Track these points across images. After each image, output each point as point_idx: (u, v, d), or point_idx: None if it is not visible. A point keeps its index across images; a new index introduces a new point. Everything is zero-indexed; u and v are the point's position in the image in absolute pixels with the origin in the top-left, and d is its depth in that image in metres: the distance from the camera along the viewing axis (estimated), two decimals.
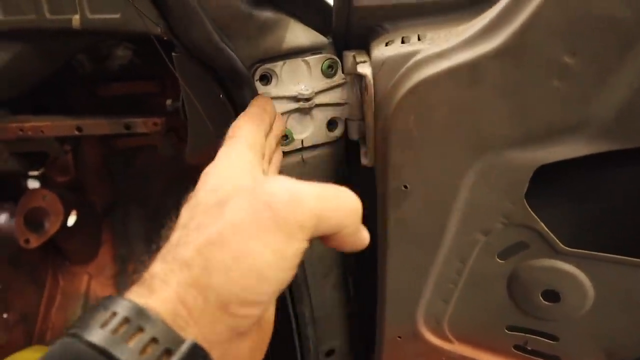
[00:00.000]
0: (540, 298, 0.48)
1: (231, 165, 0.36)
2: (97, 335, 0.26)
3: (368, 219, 0.54)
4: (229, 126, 0.53)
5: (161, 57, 0.43)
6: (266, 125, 0.44)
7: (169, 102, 0.68)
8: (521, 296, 0.50)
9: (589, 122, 0.39)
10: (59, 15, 0.64)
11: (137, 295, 0.28)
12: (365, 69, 0.48)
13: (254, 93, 0.50)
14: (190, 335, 0.27)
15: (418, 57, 0.43)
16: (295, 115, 0.54)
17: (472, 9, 0.45)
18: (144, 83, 0.91)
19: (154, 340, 0.26)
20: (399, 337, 0.58)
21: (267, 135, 0.44)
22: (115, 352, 0.25)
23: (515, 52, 0.38)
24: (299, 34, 0.52)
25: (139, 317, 0.26)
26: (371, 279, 0.59)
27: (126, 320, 0.26)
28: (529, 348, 0.53)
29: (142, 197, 1.08)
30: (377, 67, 0.46)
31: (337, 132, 0.56)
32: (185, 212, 0.33)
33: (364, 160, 0.51)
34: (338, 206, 0.32)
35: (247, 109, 0.45)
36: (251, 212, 0.30)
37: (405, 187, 0.47)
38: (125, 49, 0.90)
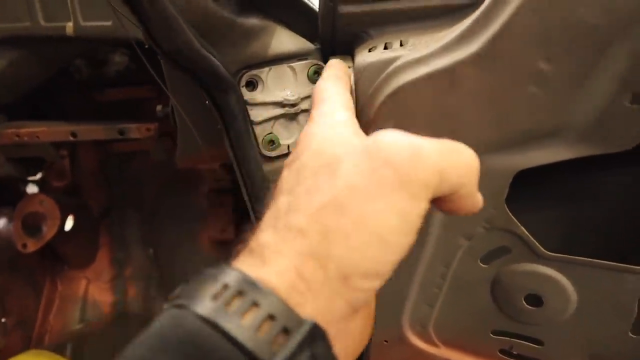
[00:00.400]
0: (524, 302, 0.49)
1: (332, 125, 0.33)
2: (208, 308, 0.23)
3: None
4: (216, 131, 0.54)
5: (144, 63, 0.44)
6: (348, 86, 0.42)
7: (159, 107, 0.69)
8: (504, 300, 0.50)
9: (566, 127, 0.40)
10: (53, 23, 0.66)
11: (248, 265, 0.26)
12: None
13: (239, 98, 0.51)
14: (308, 311, 0.25)
15: (398, 63, 0.43)
16: (282, 121, 0.55)
17: (456, 14, 0.45)
18: (140, 89, 0.92)
19: (270, 317, 0.23)
20: (386, 341, 0.58)
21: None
22: (229, 327, 0.23)
23: (491, 58, 0.38)
24: (284, 40, 0.53)
25: (253, 291, 0.24)
26: None
27: (239, 293, 0.24)
28: (515, 352, 0.53)
29: (137, 201, 1.09)
30: (358, 73, 0.46)
31: None
32: (289, 176, 0.30)
33: None
34: (459, 162, 0.30)
35: (326, 73, 0.43)
36: (369, 170, 0.27)
37: None
38: (122, 55, 0.91)
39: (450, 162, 0.29)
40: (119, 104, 0.95)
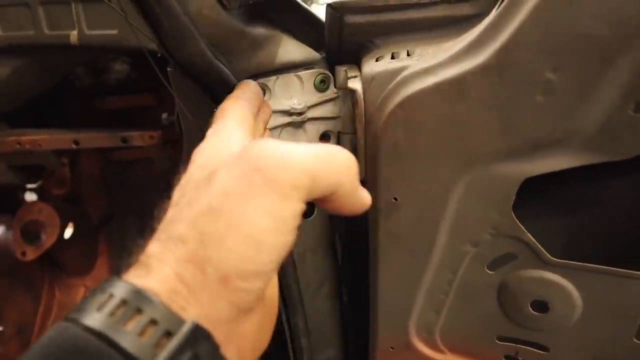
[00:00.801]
0: (530, 308, 0.49)
1: (220, 141, 0.35)
2: (93, 319, 0.24)
3: (361, 232, 0.55)
4: None
5: (156, 72, 0.44)
6: (254, 106, 0.43)
7: (164, 115, 0.69)
8: (511, 306, 0.50)
9: (573, 135, 0.40)
10: (57, 31, 0.66)
11: (134, 276, 0.27)
12: (355, 84, 0.49)
13: None
14: (192, 314, 0.26)
15: (406, 72, 0.44)
16: (288, 129, 0.55)
17: (461, 25, 0.46)
18: (142, 96, 0.92)
19: (153, 322, 0.25)
20: (392, 347, 0.58)
21: (254, 117, 0.43)
22: (113, 335, 0.24)
23: (499, 68, 0.39)
24: (291, 49, 0.54)
25: (137, 299, 0.25)
26: (366, 289, 0.59)
27: (124, 302, 0.25)
28: (520, 358, 0.53)
29: (138, 209, 1.09)
30: (367, 82, 0.47)
31: None
32: (177, 191, 0.32)
33: None
34: (332, 163, 0.31)
35: (234, 92, 0.44)
36: (240, 176, 0.28)
37: (396, 199, 0.48)
38: (123, 63, 0.92)
39: (322, 163, 0.30)
40: (120, 112, 0.95)
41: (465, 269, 0.50)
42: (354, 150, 0.55)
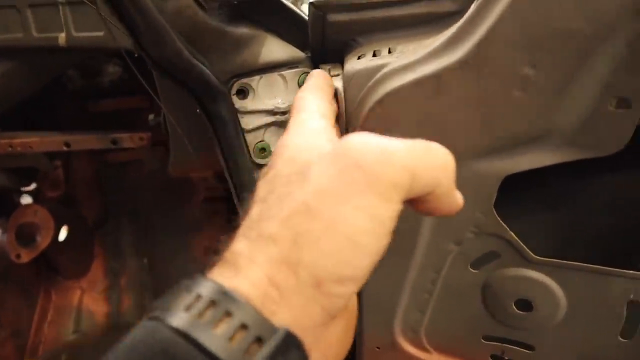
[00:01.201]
0: (514, 307, 0.49)
1: (307, 133, 0.33)
2: (181, 320, 0.23)
3: None
4: (208, 139, 0.54)
5: (134, 73, 0.45)
6: (329, 95, 0.42)
7: (151, 117, 0.69)
8: (495, 305, 0.50)
9: (552, 132, 0.40)
10: (46, 34, 0.66)
11: (221, 276, 0.26)
12: (336, 82, 0.48)
13: (230, 107, 0.51)
14: (282, 319, 0.24)
15: (385, 69, 0.43)
16: (273, 129, 0.55)
17: (443, 22, 0.46)
18: (133, 98, 0.93)
19: (243, 326, 0.23)
20: (378, 347, 0.58)
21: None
22: (202, 338, 0.23)
23: (476, 64, 0.38)
24: (274, 48, 0.53)
25: (226, 300, 0.24)
26: None
27: (212, 303, 0.24)
28: (506, 358, 0.53)
29: (132, 211, 1.09)
30: (347, 80, 0.47)
31: None
32: (264, 185, 0.31)
33: None
34: (431, 161, 0.29)
35: (308, 82, 0.43)
36: (338, 174, 0.27)
37: None
38: (115, 65, 0.92)
39: (422, 161, 0.29)
40: (112, 114, 0.95)
41: (448, 268, 0.50)
42: None
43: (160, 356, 0.22)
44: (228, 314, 0.24)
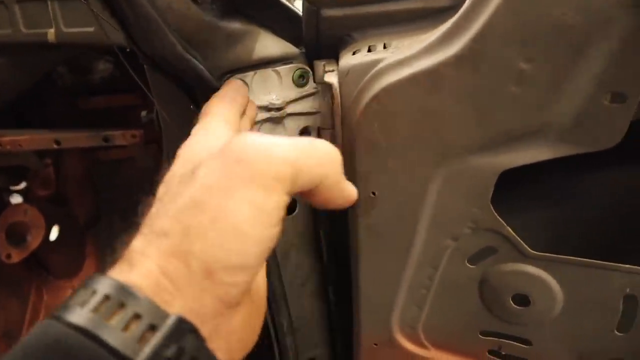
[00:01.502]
0: (511, 302, 0.49)
1: (206, 137, 0.36)
2: (76, 315, 0.24)
3: (346, 228, 0.54)
4: None
5: (127, 68, 0.44)
6: (239, 105, 0.43)
7: (143, 113, 0.69)
8: (492, 301, 0.50)
9: (548, 126, 0.40)
10: (35, 30, 0.65)
11: (118, 272, 0.27)
12: (331, 78, 0.48)
13: None
14: (177, 308, 0.26)
15: (381, 65, 0.43)
16: (267, 125, 0.55)
17: (438, 17, 0.46)
18: (125, 96, 0.92)
19: (136, 316, 0.24)
20: (375, 344, 0.58)
21: (240, 116, 0.43)
22: (96, 330, 0.23)
23: (472, 59, 0.38)
24: (269, 44, 0.53)
25: (120, 294, 0.25)
26: (351, 287, 0.59)
27: (106, 297, 0.25)
28: (503, 353, 0.53)
29: (125, 209, 1.08)
30: (342, 76, 0.47)
31: None
32: (161, 187, 0.32)
33: None
34: (314, 154, 0.31)
35: (220, 91, 0.45)
36: (222, 169, 0.28)
37: (374, 194, 0.47)
38: (106, 62, 0.91)
39: (305, 154, 0.30)
40: (104, 112, 0.94)
41: (445, 263, 0.50)
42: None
43: (54, 350, 0.23)
44: (122, 305, 0.25)
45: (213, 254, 0.27)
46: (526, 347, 0.51)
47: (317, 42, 0.52)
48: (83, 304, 0.25)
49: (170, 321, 0.25)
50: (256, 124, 0.54)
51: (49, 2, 0.63)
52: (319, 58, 0.54)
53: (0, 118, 0.81)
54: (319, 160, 0.31)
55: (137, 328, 0.24)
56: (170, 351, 0.24)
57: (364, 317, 0.56)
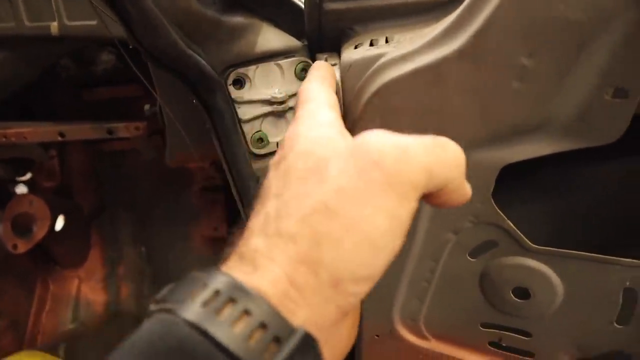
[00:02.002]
0: (511, 295, 0.49)
1: (317, 125, 0.33)
2: (198, 315, 0.23)
3: None
4: (205, 129, 0.54)
5: (128, 62, 0.44)
6: (334, 87, 0.41)
7: (146, 106, 0.69)
8: (493, 293, 0.50)
9: (550, 121, 0.40)
10: (38, 23, 0.65)
11: (239, 272, 0.26)
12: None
13: (226, 97, 0.51)
14: (300, 320, 0.24)
15: (383, 59, 0.43)
16: (270, 119, 0.55)
17: (440, 10, 0.45)
18: (128, 87, 0.92)
19: (262, 325, 0.23)
20: (377, 335, 0.58)
21: None
22: (220, 336, 0.22)
23: (474, 53, 0.38)
24: (271, 37, 0.53)
25: (245, 298, 0.24)
26: None
27: (231, 300, 0.24)
28: (504, 344, 0.53)
29: (129, 200, 1.09)
30: (344, 70, 0.47)
31: None
32: (276, 180, 0.30)
33: None
34: (446, 158, 0.30)
35: (312, 73, 0.42)
36: (357, 173, 0.27)
37: None
38: (109, 53, 0.91)
39: (437, 159, 0.29)
40: (107, 103, 0.95)
41: (447, 256, 0.50)
42: None
43: (177, 352, 0.22)
44: (247, 312, 0.23)
45: (343, 264, 0.25)
46: (526, 339, 0.52)
47: (319, 35, 0.52)
48: (205, 304, 0.23)
49: (297, 336, 0.24)
50: (259, 118, 0.54)
51: None
52: (321, 51, 0.54)
53: (5, 110, 0.81)
54: (449, 163, 0.30)
55: (261, 339, 0.23)
56: None
57: (366, 309, 0.57)
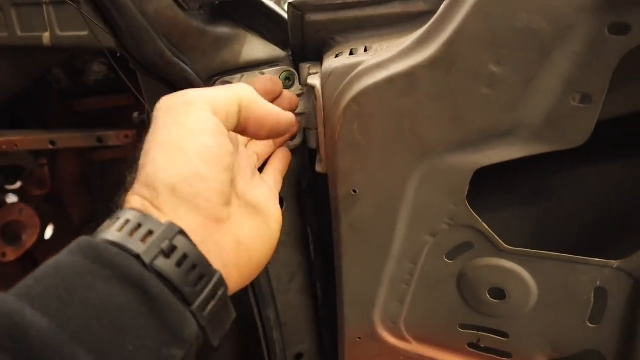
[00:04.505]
0: (488, 296, 0.50)
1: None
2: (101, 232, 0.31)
3: (330, 225, 0.56)
4: None
5: (117, 72, 0.46)
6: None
7: (135, 114, 0.70)
8: (470, 294, 0.52)
9: (519, 126, 0.42)
10: (30, 33, 0.67)
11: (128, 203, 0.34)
12: (314, 80, 0.50)
13: None
14: (164, 220, 0.32)
15: (360, 67, 0.45)
16: None
17: (417, 21, 0.48)
18: (119, 97, 0.93)
19: (138, 225, 0.31)
20: (359, 338, 0.59)
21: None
22: (110, 236, 0.30)
23: (445, 62, 0.40)
24: (256, 47, 0.55)
25: (124, 214, 0.31)
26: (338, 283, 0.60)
27: (116, 217, 0.32)
28: (482, 345, 0.54)
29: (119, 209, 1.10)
30: (325, 78, 0.48)
31: (296, 140, 0.59)
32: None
33: (318, 167, 0.53)
34: (223, 87, 0.39)
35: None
36: (159, 117, 0.36)
37: (355, 191, 0.49)
38: (100, 64, 0.93)
39: (214, 88, 0.39)
40: (98, 113, 0.96)
41: (425, 259, 0.51)
42: (318, 146, 0.56)
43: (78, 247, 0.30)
44: (127, 221, 0.31)
45: (168, 173, 0.33)
46: (503, 339, 0.53)
47: (303, 46, 0.54)
48: (110, 226, 0.31)
49: (163, 226, 0.31)
50: None
51: (44, 7, 0.65)
52: (305, 61, 0.56)
53: None
54: (228, 87, 0.38)
55: (139, 232, 0.30)
56: (165, 245, 0.30)
57: (347, 312, 0.58)
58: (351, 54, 0.49)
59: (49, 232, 0.99)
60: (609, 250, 0.47)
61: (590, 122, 0.40)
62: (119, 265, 0.29)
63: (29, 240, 0.94)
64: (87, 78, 0.94)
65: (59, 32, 0.68)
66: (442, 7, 0.40)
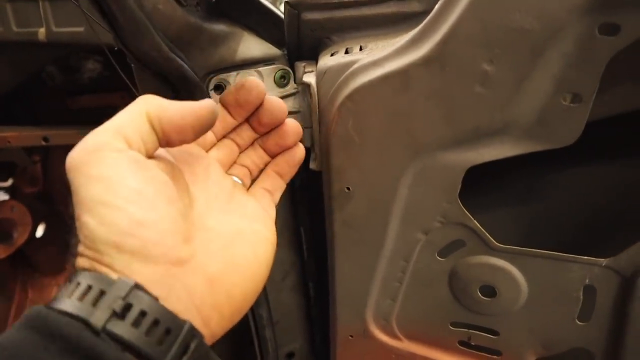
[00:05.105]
0: (479, 293, 0.51)
1: None
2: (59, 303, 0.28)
3: (323, 224, 0.56)
4: None
5: (115, 69, 0.46)
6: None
7: None
8: (461, 292, 0.52)
9: (512, 125, 0.43)
10: (25, 29, 0.66)
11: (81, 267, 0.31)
12: (309, 78, 0.51)
13: None
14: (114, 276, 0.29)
15: (355, 65, 0.45)
16: None
17: (412, 21, 0.48)
18: (113, 95, 0.93)
19: (89, 287, 0.28)
20: (351, 335, 0.60)
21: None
22: (62, 305, 0.28)
23: (439, 60, 0.41)
24: (252, 45, 0.55)
25: (79, 276, 0.29)
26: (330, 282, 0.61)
27: (69, 280, 0.30)
28: (473, 343, 0.55)
29: None
30: (320, 76, 0.49)
31: None
32: None
33: (312, 165, 0.54)
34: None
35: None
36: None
37: (348, 189, 0.49)
38: (95, 62, 0.92)
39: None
40: (92, 111, 0.96)
41: (417, 256, 0.52)
42: (313, 143, 0.56)
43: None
44: (78, 284, 0.29)
45: (106, 224, 0.30)
46: (494, 337, 0.53)
47: (298, 44, 0.55)
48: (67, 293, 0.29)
49: (116, 282, 0.28)
50: None
51: (40, 2, 0.65)
52: (300, 59, 0.56)
53: None
54: (131, 106, 0.36)
55: (91, 297, 0.28)
56: (117, 304, 0.27)
57: (339, 310, 0.58)
58: (346, 52, 0.50)
59: (40, 230, 0.99)
60: (600, 248, 0.48)
61: (580, 122, 0.41)
62: (67, 337, 0.26)
63: (20, 238, 0.94)
64: (82, 76, 0.94)
65: (54, 28, 0.68)
66: (436, 6, 0.41)
